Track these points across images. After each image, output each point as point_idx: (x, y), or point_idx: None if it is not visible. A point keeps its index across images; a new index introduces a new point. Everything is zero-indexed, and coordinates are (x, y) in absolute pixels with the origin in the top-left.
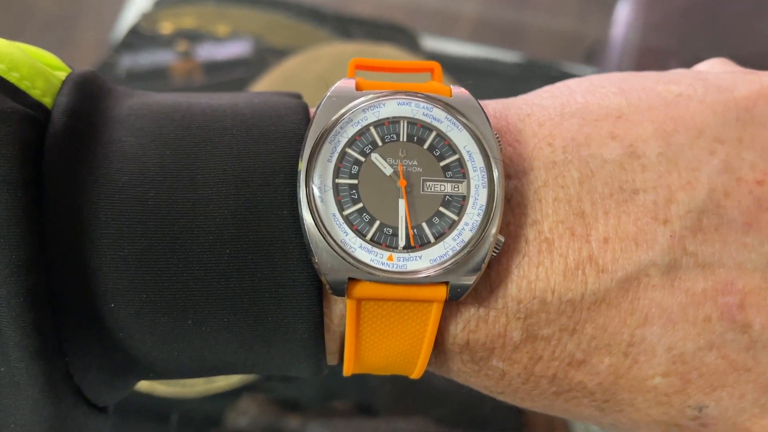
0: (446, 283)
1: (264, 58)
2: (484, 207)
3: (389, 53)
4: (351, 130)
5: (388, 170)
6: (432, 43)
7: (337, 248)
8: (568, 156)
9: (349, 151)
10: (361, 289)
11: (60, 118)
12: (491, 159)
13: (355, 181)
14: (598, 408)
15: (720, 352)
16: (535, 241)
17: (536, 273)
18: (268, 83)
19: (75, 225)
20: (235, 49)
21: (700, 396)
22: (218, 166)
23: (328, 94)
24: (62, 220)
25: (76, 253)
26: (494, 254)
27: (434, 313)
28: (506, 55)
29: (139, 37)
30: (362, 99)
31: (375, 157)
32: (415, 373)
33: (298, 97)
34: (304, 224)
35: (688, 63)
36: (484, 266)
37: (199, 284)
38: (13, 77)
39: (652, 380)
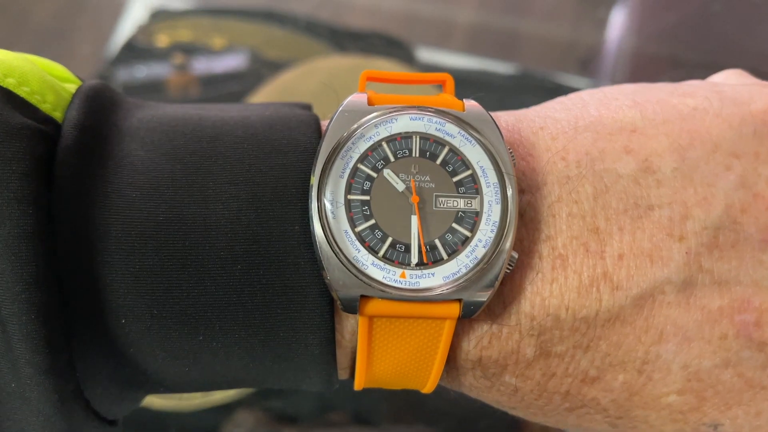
0: (459, 300)
1: (260, 71)
2: (497, 223)
3: (385, 66)
4: (363, 146)
5: (400, 186)
6: (427, 54)
7: (348, 265)
8: (582, 171)
9: (361, 166)
10: (374, 307)
11: (71, 133)
12: (504, 174)
13: (367, 198)
14: (611, 424)
15: (736, 370)
16: (549, 257)
17: (550, 289)
18: (264, 96)
19: (86, 241)
20: (231, 62)
21: (716, 414)
22: (229, 180)
23: (341, 108)
24: (73, 236)
25: (87, 269)
26: (508, 271)
27: (447, 330)
28: (501, 67)
29: (135, 50)
30: (374, 114)
31: (387, 173)
32: (427, 388)
33: (309, 108)
34: (315, 240)
35: (683, 71)
36: (497, 283)
37: (211, 300)
38: (23, 91)
39: (667, 398)
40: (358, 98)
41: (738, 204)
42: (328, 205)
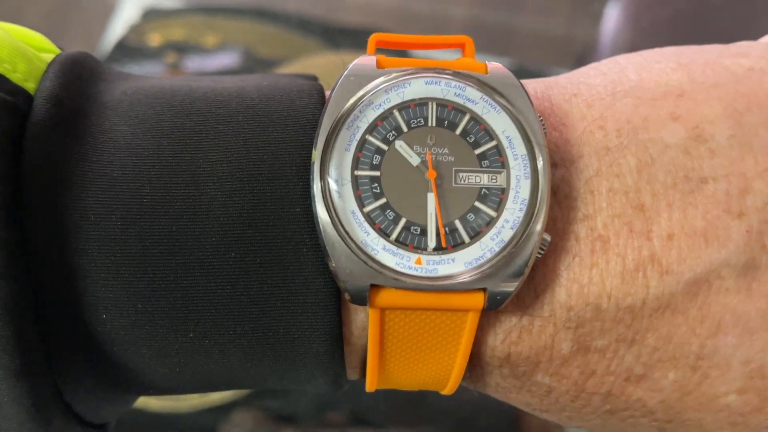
0: (484, 289)
1: (253, 68)
2: (526, 201)
3: None
4: (372, 115)
5: (414, 160)
6: (422, 51)
7: (357, 250)
8: (623, 141)
9: (370, 138)
10: (385, 297)
11: (43, 105)
12: (535, 145)
13: (377, 173)
14: (659, 429)
15: None
16: (588, 239)
17: (589, 276)
18: None
19: (60, 226)
20: (224, 60)
21: None
22: (222, 158)
23: (346, 72)
24: (45, 220)
25: (61, 258)
26: (539, 255)
27: (470, 323)
28: (496, 62)
29: (127, 49)
30: (384, 78)
31: (400, 145)
32: (447, 389)
33: (314, 78)
34: (318, 223)
35: None
36: (527, 270)
37: (202, 292)
38: None
39: (725, 398)
40: (365, 61)
41: None
42: (332, 184)
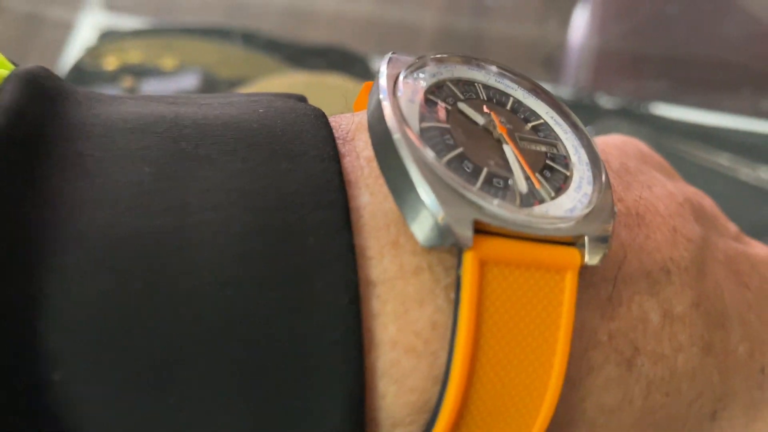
0: (576, 245)
1: (213, 90)
2: (589, 164)
3: (340, 83)
4: (429, 80)
5: (480, 119)
6: None
7: (446, 186)
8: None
9: (431, 97)
10: (490, 246)
11: (3, 119)
12: (576, 121)
13: (446, 125)
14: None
15: None
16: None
17: (650, 243)
18: None
19: (13, 261)
20: (183, 83)
21: None
22: (217, 187)
23: (387, 56)
24: None
25: (10, 300)
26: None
27: (570, 285)
28: None
29: (83, 73)
30: (431, 58)
31: (462, 106)
32: (549, 398)
33: (304, 100)
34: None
35: (647, 61)
36: (615, 211)
37: (188, 341)
38: None
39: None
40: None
41: None
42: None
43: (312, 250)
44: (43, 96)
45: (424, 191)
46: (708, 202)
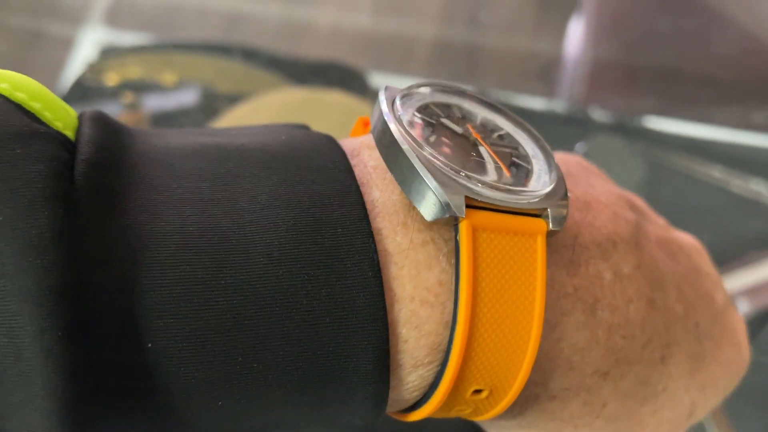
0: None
1: (213, 105)
2: (545, 161)
3: (337, 99)
4: (417, 103)
5: (459, 130)
6: (384, 80)
7: (439, 169)
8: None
9: (421, 115)
10: (479, 217)
11: (88, 148)
12: (535, 132)
13: (436, 135)
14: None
15: None
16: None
17: (598, 222)
18: None
19: (108, 255)
20: (183, 98)
21: None
22: (262, 194)
23: (383, 87)
24: (92, 252)
25: (111, 287)
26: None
27: (540, 246)
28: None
29: (85, 89)
30: (416, 88)
31: (444, 120)
32: (533, 339)
33: (306, 128)
34: (397, 144)
35: (640, 74)
36: (568, 195)
37: (251, 311)
38: (34, 107)
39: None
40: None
41: None
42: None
43: (341, 237)
44: (111, 131)
45: (428, 179)
46: (639, 200)
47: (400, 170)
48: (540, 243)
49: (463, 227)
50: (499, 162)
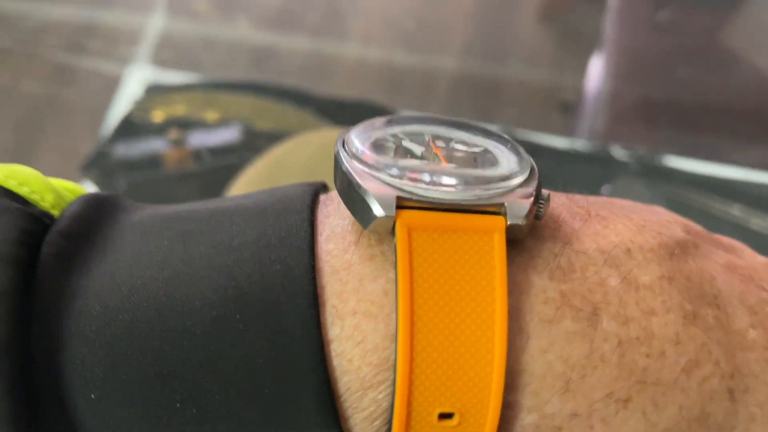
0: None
1: (253, 142)
2: (515, 156)
3: None
4: (379, 134)
5: (419, 150)
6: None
7: (372, 168)
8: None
9: (381, 141)
10: (414, 216)
11: (64, 221)
12: (502, 134)
13: (385, 155)
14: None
15: None
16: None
17: (608, 231)
18: (258, 169)
19: (54, 309)
20: (225, 135)
21: None
22: (216, 242)
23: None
24: (47, 308)
25: (55, 339)
26: (541, 206)
27: (498, 244)
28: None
29: (132, 126)
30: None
31: (406, 143)
32: (498, 351)
33: (324, 186)
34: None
35: (660, 111)
36: (548, 196)
37: (180, 356)
38: (23, 191)
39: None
40: None
41: None
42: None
43: (278, 273)
44: (95, 206)
45: (356, 183)
46: (701, 228)
47: (344, 189)
48: (498, 241)
49: (397, 227)
50: (444, 162)
